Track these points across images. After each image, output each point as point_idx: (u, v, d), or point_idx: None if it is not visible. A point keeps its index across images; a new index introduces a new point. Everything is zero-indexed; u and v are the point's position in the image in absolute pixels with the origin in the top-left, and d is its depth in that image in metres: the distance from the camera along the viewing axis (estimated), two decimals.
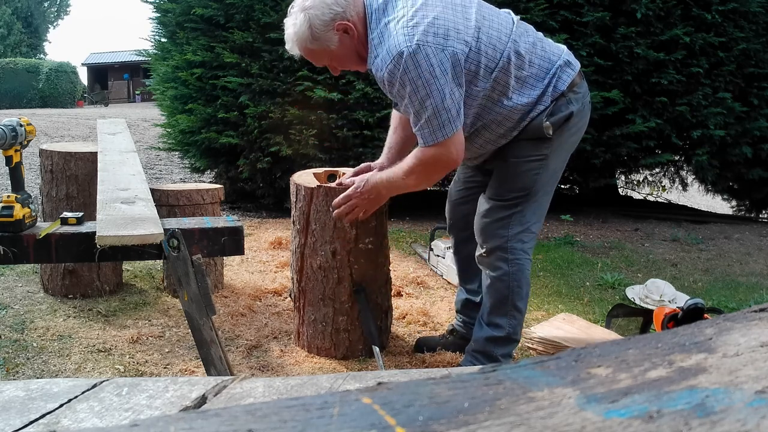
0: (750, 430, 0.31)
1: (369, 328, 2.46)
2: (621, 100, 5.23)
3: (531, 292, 3.43)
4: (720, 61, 5.38)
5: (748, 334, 0.45)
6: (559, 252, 4.36)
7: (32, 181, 5.46)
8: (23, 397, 0.66)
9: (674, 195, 7.34)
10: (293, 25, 2.05)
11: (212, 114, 5.27)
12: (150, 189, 2.30)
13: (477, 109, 2.04)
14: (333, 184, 2.50)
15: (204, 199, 3.07)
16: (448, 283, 3.50)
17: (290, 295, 2.76)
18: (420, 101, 1.90)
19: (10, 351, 2.44)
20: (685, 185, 6.73)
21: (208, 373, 1.86)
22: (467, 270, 2.57)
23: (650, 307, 3.07)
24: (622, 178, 6.82)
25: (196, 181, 6.00)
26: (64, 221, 1.85)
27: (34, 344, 2.51)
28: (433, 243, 3.76)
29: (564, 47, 2.17)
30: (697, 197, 7.92)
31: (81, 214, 1.88)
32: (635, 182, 6.85)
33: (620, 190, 7.16)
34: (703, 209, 7.34)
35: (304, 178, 2.58)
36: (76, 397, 0.67)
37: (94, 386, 0.69)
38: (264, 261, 3.85)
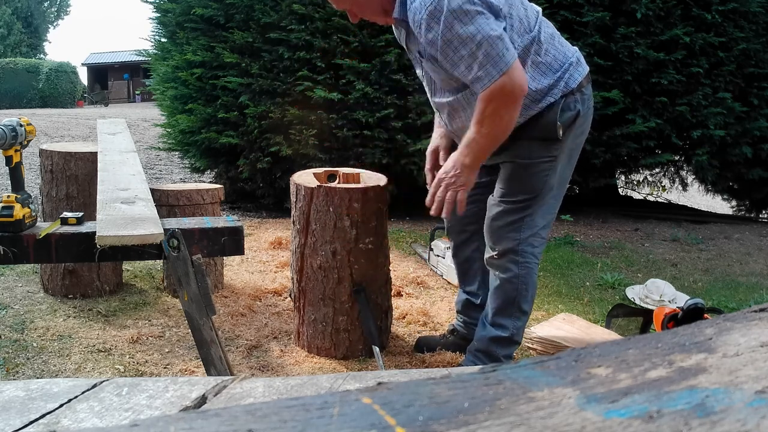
0: (750, 430, 0.31)
1: (369, 328, 2.46)
2: (621, 100, 5.23)
3: None
4: (720, 61, 5.38)
5: (748, 334, 0.45)
6: (559, 252, 4.36)
7: (32, 181, 5.46)
8: (23, 397, 0.66)
9: (674, 195, 7.34)
10: None
11: (212, 114, 5.27)
12: (150, 189, 2.30)
13: None
14: (333, 184, 2.51)
15: (204, 199, 3.07)
16: (448, 283, 3.50)
17: (290, 295, 2.76)
18: (470, 37, 1.81)
19: (10, 351, 2.44)
20: (685, 185, 6.73)
21: (208, 373, 1.86)
22: (467, 272, 2.57)
23: (650, 307, 3.07)
24: (622, 178, 6.82)
25: (196, 181, 6.00)
26: (64, 221, 1.85)
27: (34, 344, 2.51)
28: (433, 243, 3.76)
29: (576, 48, 2.18)
30: (697, 197, 7.92)
31: (81, 214, 1.88)
32: (635, 182, 6.84)
33: (620, 190, 7.15)
34: (703, 209, 7.34)
35: (304, 178, 2.58)
36: (76, 397, 0.67)
37: (94, 386, 0.69)
38: (264, 261, 3.85)
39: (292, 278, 2.61)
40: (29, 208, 1.82)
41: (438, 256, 3.65)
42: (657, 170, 6.61)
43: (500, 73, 1.84)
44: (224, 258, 3.37)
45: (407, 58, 5.04)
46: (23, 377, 2.24)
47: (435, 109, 2.25)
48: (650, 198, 7.36)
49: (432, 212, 2.14)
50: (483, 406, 0.36)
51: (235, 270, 3.62)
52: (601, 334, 2.63)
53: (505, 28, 1.87)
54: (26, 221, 1.79)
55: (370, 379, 0.71)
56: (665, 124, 5.33)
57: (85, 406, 0.64)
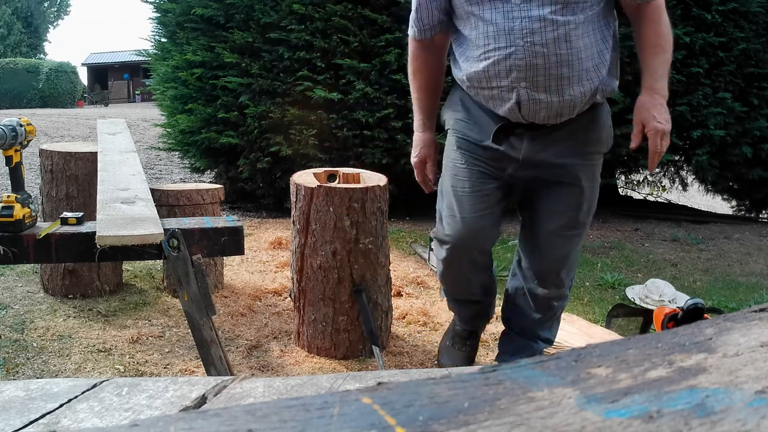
0: (750, 430, 0.31)
1: (369, 328, 2.46)
2: (621, 100, 5.22)
3: None
4: (720, 61, 5.38)
5: (748, 334, 0.45)
6: None
7: (32, 181, 5.46)
8: (23, 397, 0.66)
9: (674, 195, 7.34)
10: None
11: (212, 114, 5.27)
12: (150, 189, 2.30)
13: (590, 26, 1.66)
14: (333, 184, 2.51)
15: (204, 199, 3.07)
16: None
17: (290, 295, 2.76)
18: None
19: (10, 351, 2.44)
20: (685, 185, 6.73)
21: (208, 373, 1.86)
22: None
23: (650, 307, 3.07)
24: (622, 178, 6.82)
25: (196, 181, 6.00)
26: (64, 221, 1.85)
27: (34, 344, 2.51)
28: (433, 243, 3.76)
29: None
30: (697, 197, 7.92)
31: (81, 214, 1.88)
32: (635, 182, 6.84)
33: (620, 190, 7.15)
34: (703, 209, 7.34)
35: (304, 178, 2.58)
36: (76, 397, 0.67)
37: (94, 386, 0.69)
38: (264, 261, 3.85)
39: (292, 278, 2.61)
40: (29, 208, 1.82)
41: None
42: (657, 170, 6.61)
43: None
44: (224, 258, 3.37)
45: (407, 59, 5.05)
46: (23, 377, 2.24)
47: (511, 33, 1.61)
48: (650, 198, 7.37)
49: (654, 169, 1.86)
50: (483, 406, 0.36)
51: (235, 270, 3.62)
52: (601, 334, 2.63)
53: None
54: (26, 221, 1.79)
55: (370, 379, 0.71)
56: None
57: (85, 406, 0.64)
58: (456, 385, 0.39)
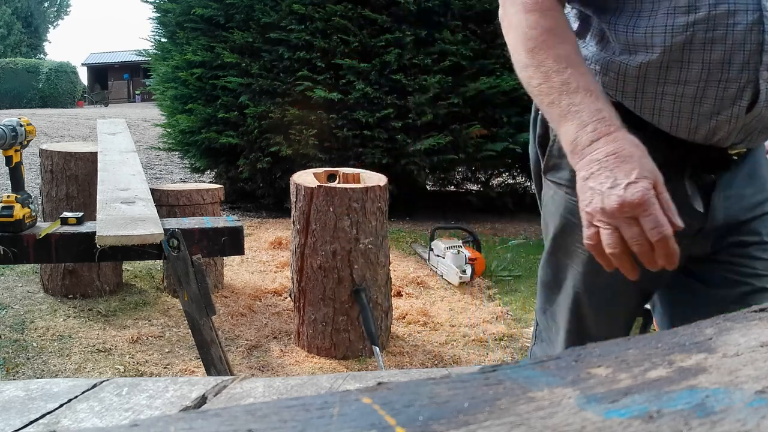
0: (750, 430, 0.31)
1: (369, 328, 2.46)
2: None
3: (531, 292, 3.44)
4: None
5: (748, 334, 0.45)
6: None
7: (32, 181, 5.46)
8: (23, 397, 0.66)
9: None
10: None
11: (212, 114, 5.27)
12: (150, 189, 2.30)
13: None
14: (333, 184, 2.51)
15: (204, 199, 3.07)
16: (448, 283, 3.50)
17: (290, 295, 2.76)
18: None
19: (10, 351, 2.44)
20: None
21: (208, 373, 1.86)
22: None
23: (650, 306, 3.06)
24: None
25: (196, 181, 6.00)
26: (64, 221, 1.85)
27: (34, 344, 2.51)
28: (433, 243, 3.76)
29: None
30: None
31: (81, 214, 1.88)
32: None
33: None
34: None
35: (304, 178, 2.58)
36: (76, 397, 0.67)
37: (94, 386, 0.69)
38: (264, 261, 3.85)
39: (292, 278, 2.61)
40: (29, 208, 1.82)
41: (438, 256, 3.65)
42: None
43: None
44: (224, 258, 3.37)
45: (407, 58, 5.06)
46: (23, 377, 2.24)
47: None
48: None
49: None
50: (483, 406, 0.36)
51: (235, 270, 3.62)
52: None
53: None
54: (26, 221, 1.79)
55: (370, 379, 0.71)
56: None
57: (85, 406, 0.64)
58: (456, 385, 0.39)
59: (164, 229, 1.77)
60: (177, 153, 6.59)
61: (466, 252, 3.54)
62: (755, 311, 0.51)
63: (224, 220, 1.98)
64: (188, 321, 1.86)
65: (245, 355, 2.51)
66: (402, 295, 3.27)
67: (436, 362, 2.54)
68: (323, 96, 4.82)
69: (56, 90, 25.12)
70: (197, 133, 5.42)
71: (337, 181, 2.70)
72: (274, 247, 4.14)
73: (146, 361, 2.42)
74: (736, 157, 1.03)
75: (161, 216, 1.94)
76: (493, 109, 5.05)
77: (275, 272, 3.62)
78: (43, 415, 0.62)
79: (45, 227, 1.82)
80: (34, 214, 1.85)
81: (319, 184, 2.47)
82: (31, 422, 0.60)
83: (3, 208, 1.75)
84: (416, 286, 3.45)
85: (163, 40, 6.14)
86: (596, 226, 0.84)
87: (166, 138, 6.28)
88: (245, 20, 5.14)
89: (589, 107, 0.88)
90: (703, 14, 0.90)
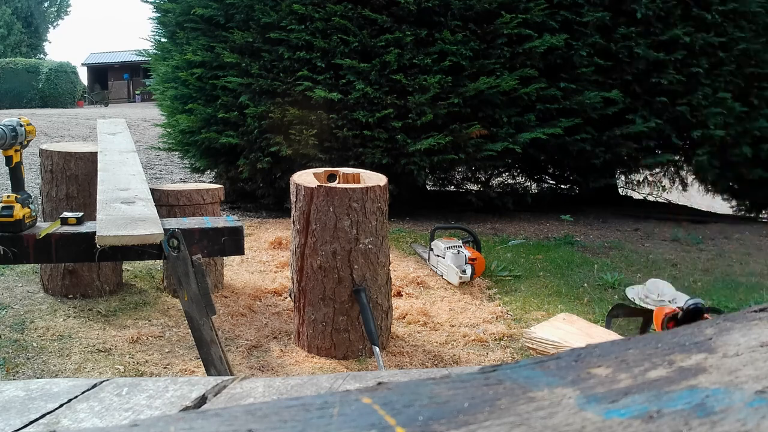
0: (750, 430, 0.31)
1: (369, 328, 2.46)
2: (621, 100, 5.23)
3: (531, 292, 3.44)
4: (720, 61, 5.38)
5: (748, 334, 0.45)
6: (559, 252, 4.36)
7: (32, 181, 5.46)
8: (23, 397, 0.66)
9: (674, 195, 7.34)
10: None
11: (212, 114, 5.27)
12: (150, 189, 2.30)
13: None
14: (333, 184, 2.50)
15: (204, 199, 3.07)
16: (448, 283, 3.50)
17: (290, 295, 2.76)
18: None
19: (10, 351, 2.44)
20: (685, 185, 6.74)
21: (208, 373, 1.86)
22: None
23: (650, 307, 3.07)
24: (622, 178, 6.82)
25: (196, 181, 6.00)
26: (64, 221, 1.85)
27: (34, 344, 2.51)
28: (433, 243, 3.76)
29: None
30: (697, 197, 7.92)
31: (81, 214, 1.88)
32: (635, 182, 6.85)
33: (620, 190, 7.16)
34: (703, 209, 7.34)
35: (304, 178, 2.58)
36: (76, 397, 0.67)
37: (94, 386, 0.69)
38: (264, 261, 3.85)
39: (292, 278, 2.61)
40: (29, 208, 1.82)
41: (438, 256, 3.65)
42: (657, 170, 6.62)
43: None
44: (224, 258, 3.37)
45: (407, 58, 5.07)
46: (23, 377, 2.24)
47: None
48: (650, 198, 7.37)
49: None
50: (483, 406, 0.36)
51: (235, 270, 3.62)
52: (601, 334, 2.63)
53: None
54: (26, 221, 1.79)
55: (370, 379, 0.71)
56: (665, 124, 5.33)
57: (85, 406, 0.64)
58: (456, 385, 0.39)
59: (164, 229, 1.77)
60: (177, 153, 6.59)
61: (466, 252, 3.54)
62: (755, 311, 0.51)
63: (224, 220, 1.98)
64: (188, 321, 1.86)
65: (245, 355, 2.51)
66: (402, 295, 3.27)
67: (436, 362, 2.54)
68: (323, 96, 4.82)
69: (56, 90, 25.11)
70: (197, 133, 5.42)
71: (337, 181, 2.70)
72: (274, 247, 4.14)
73: (146, 361, 2.42)
74: None
75: (161, 216, 1.94)
76: (493, 109, 5.05)
77: (275, 272, 3.62)
78: (43, 415, 0.62)
79: (45, 227, 1.82)
80: (34, 214, 1.85)
81: (319, 184, 2.47)
82: (31, 422, 0.60)
83: (3, 208, 1.75)
84: (416, 286, 3.45)
85: (163, 40, 6.14)
86: None
87: (166, 138, 6.28)
88: (245, 20, 5.14)
89: None
90: None
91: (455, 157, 5.01)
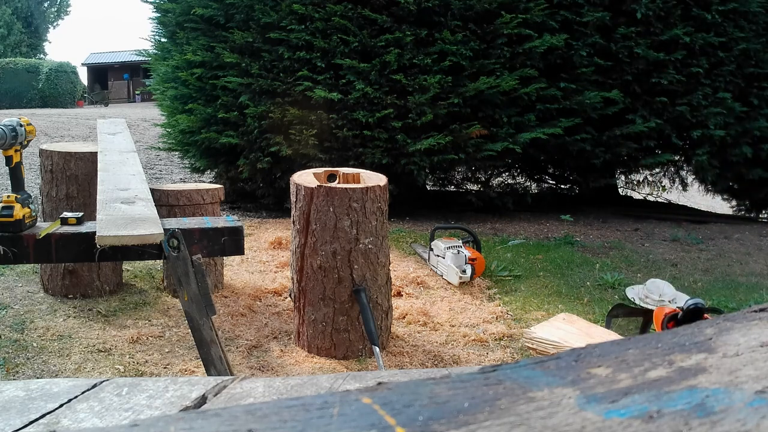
0: (750, 430, 0.31)
1: (369, 328, 2.46)
2: (621, 100, 5.23)
3: (531, 292, 3.44)
4: (720, 61, 5.38)
5: (748, 334, 0.45)
6: (559, 252, 4.36)
7: (32, 181, 5.46)
8: (23, 397, 0.66)
9: (674, 195, 7.34)
10: None
11: (212, 114, 5.27)
12: (150, 189, 2.30)
13: None
14: (333, 184, 2.50)
15: (204, 199, 3.07)
16: (448, 283, 3.50)
17: (290, 295, 2.76)
18: None
19: (10, 351, 2.44)
20: (685, 185, 6.74)
21: (208, 373, 1.86)
22: None
23: (650, 307, 3.07)
24: (622, 178, 6.82)
25: (196, 181, 6.00)
26: (64, 221, 1.85)
27: (34, 344, 2.51)
28: (433, 243, 3.76)
29: None
30: (697, 197, 7.92)
31: (81, 214, 1.88)
32: (635, 182, 6.85)
33: (620, 190, 7.16)
34: (703, 209, 7.34)
35: (304, 178, 2.58)
36: (76, 397, 0.67)
37: (94, 386, 0.69)
38: (264, 261, 3.84)
39: (292, 278, 2.61)
40: (29, 208, 1.82)
41: (438, 256, 3.65)
42: (657, 170, 6.62)
43: None
44: (224, 258, 3.37)
45: (407, 58, 5.07)
46: (23, 377, 2.24)
47: None
48: (650, 198, 7.37)
49: None
50: (483, 406, 0.36)
51: (235, 270, 3.62)
52: (601, 334, 2.63)
53: None
54: (26, 221, 1.79)
55: (370, 379, 0.71)
56: (665, 124, 5.33)
57: (85, 406, 0.64)
58: (456, 385, 0.39)
59: (164, 229, 1.77)
60: (177, 153, 6.59)
61: (466, 252, 3.54)
62: (755, 311, 0.51)
63: (224, 220, 1.98)
64: (188, 321, 1.86)
65: (245, 355, 2.51)
66: (402, 295, 3.27)
67: (436, 362, 2.54)
68: (323, 96, 4.82)
69: (56, 90, 25.11)
70: (197, 133, 5.42)
71: (337, 181, 2.70)
72: (274, 247, 4.14)
73: (146, 361, 2.42)
74: None
75: (161, 216, 1.94)
76: (493, 109, 5.05)
77: (275, 272, 3.62)
78: (43, 415, 0.62)
79: (45, 227, 1.82)
80: (34, 214, 1.85)
81: (319, 184, 2.47)
82: (31, 422, 0.60)
83: (3, 208, 1.75)
84: (416, 286, 3.45)
85: (163, 40, 6.14)
86: None
87: (166, 138, 6.28)
88: (245, 20, 5.14)
89: None
90: None
91: (455, 157, 5.01)
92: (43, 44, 34.75)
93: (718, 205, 7.75)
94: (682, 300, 3.11)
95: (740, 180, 6.17)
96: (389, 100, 4.86)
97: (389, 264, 2.67)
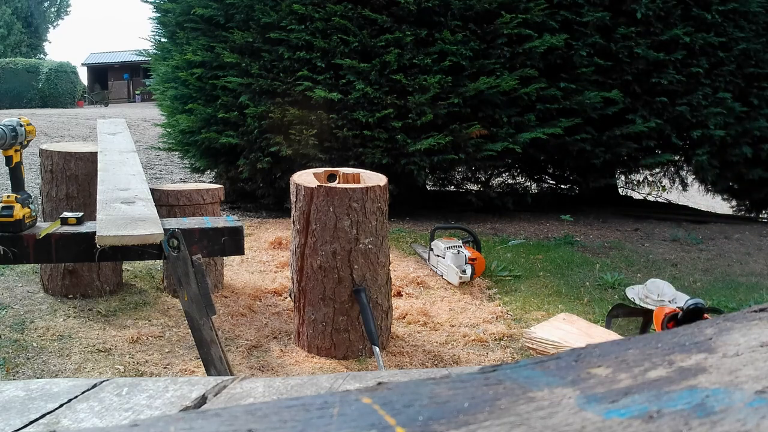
0: (750, 430, 0.31)
1: (369, 328, 2.46)
2: (621, 100, 5.23)
3: (531, 292, 3.44)
4: (720, 61, 5.38)
5: (748, 334, 0.45)
6: (559, 252, 4.36)
7: (32, 181, 5.45)
8: (23, 397, 0.66)
9: (674, 195, 7.34)
10: None
11: (212, 114, 5.27)
12: (150, 189, 2.30)
13: None
14: (333, 184, 2.50)
15: (204, 199, 3.07)
16: (448, 283, 3.50)
17: (290, 295, 2.76)
18: None
19: (10, 351, 2.44)
20: (685, 185, 6.74)
21: (208, 373, 1.86)
22: None
23: (650, 307, 3.07)
24: (622, 178, 6.82)
25: (196, 181, 6.00)
26: (64, 221, 1.85)
27: (34, 344, 2.51)
28: (433, 243, 3.76)
29: None
30: (697, 197, 7.92)
31: (81, 214, 1.88)
32: (635, 182, 6.85)
33: (620, 190, 7.16)
34: (703, 209, 7.34)
35: (304, 178, 2.58)
36: (76, 397, 0.67)
37: (94, 386, 0.69)
38: (264, 261, 3.84)
39: (292, 278, 2.61)
40: (29, 208, 1.82)
41: (438, 256, 3.65)
42: (657, 170, 6.62)
43: None
44: (224, 258, 3.37)
45: (407, 58, 5.07)
46: (23, 377, 2.24)
47: None
48: (650, 198, 7.37)
49: None
50: (483, 406, 0.36)
51: (235, 270, 3.62)
52: (601, 334, 2.63)
53: None
54: (26, 221, 1.79)
55: (370, 379, 0.71)
56: (665, 124, 5.33)
57: (85, 406, 0.64)
58: (456, 385, 0.39)
59: (164, 229, 1.77)
60: (177, 153, 6.59)
61: (466, 252, 3.54)
62: (755, 311, 0.51)
63: (224, 220, 1.98)
64: (188, 321, 1.86)
65: (245, 355, 2.51)
66: (402, 295, 3.27)
67: (436, 362, 2.54)
68: (323, 96, 4.82)
69: (56, 90, 25.11)
70: (197, 133, 5.42)
71: (337, 181, 2.70)
72: (274, 247, 4.14)
73: (146, 361, 2.42)
74: None
75: (161, 216, 1.94)
76: (493, 109, 5.05)
77: (275, 272, 3.62)
78: (43, 415, 0.62)
79: (45, 227, 1.82)
80: (34, 214, 1.85)
81: (319, 184, 2.47)
82: (31, 422, 0.60)
83: (3, 208, 1.75)
84: (416, 286, 3.45)
85: (163, 40, 6.14)
86: None
87: (166, 138, 6.28)
88: (245, 20, 5.14)
89: None
90: None
91: (455, 157, 5.01)
92: (43, 44, 34.75)
93: (718, 205, 7.75)
94: (682, 300, 3.11)
95: (740, 180, 6.17)
96: (389, 100, 4.86)
97: (389, 264, 2.67)
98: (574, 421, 0.33)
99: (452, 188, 6.48)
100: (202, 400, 0.65)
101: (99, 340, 2.58)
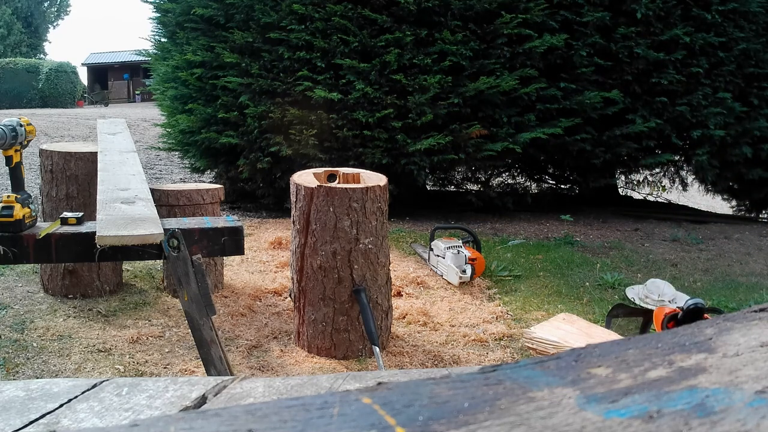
0: (750, 430, 0.31)
1: (369, 328, 2.46)
2: (621, 100, 5.23)
3: (531, 292, 3.44)
4: (720, 61, 5.38)
5: (748, 334, 0.45)
6: (559, 252, 4.36)
7: (32, 181, 5.45)
8: (23, 397, 0.66)
9: (674, 195, 7.34)
10: None
11: (212, 114, 5.27)
12: (150, 189, 2.30)
13: None
14: (333, 184, 2.50)
15: (204, 199, 3.07)
16: (448, 283, 3.50)
17: (290, 295, 2.76)
18: None
19: (10, 351, 2.44)
20: (685, 185, 6.74)
21: (208, 373, 1.86)
22: None
23: (650, 307, 3.07)
24: (622, 178, 6.82)
25: (196, 181, 6.00)
26: (64, 221, 1.85)
27: (34, 344, 2.51)
28: (433, 243, 3.76)
29: None
30: (697, 197, 7.92)
31: (81, 214, 1.88)
32: (635, 182, 6.85)
33: (620, 190, 7.16)
34: (703, 209, 7.34)
35: (304, 178, 2.58)
36: (76, 397, 0.67)
37: (94, 386, 0.69)
38: (264, 261, 3.84)
39: (292, 278, 2.61)
40: (29, 208, 1.82)
41: (438, 256, 3.65)
42: (657, 170, 6.62)
43: None
44: (224, 258, 3.37)
45: (407, 58, 5.07)
46: (23, 377, 2.24)
47: None
48: (650, 198, 7.37)
49: None
50: (483, 406, 0.36)
51: (235, 270, 3.62)
52: (601, 334, 2.63)
53: None
54: (26, 221, 1.79)
55: (370, 379, 0.71)
56: (665, 124, 5.33)
57: (85, 406, 0.64)
58: (456, 385, 0.39)
59: (164, 229, 1.77)
60: (177, 153, 6.59)
61: (466, 252, 3.54)
62: (755, 311, 0.51)
63: (224, 220, 1.98)
64: (188, 321, 1.86)
65: (245, 355, 2.51)
66: (402, 295, 3.27)
67: (436, 362, 2.54)
68: (323, 96, 4.82)
69: (56, 90, 25.11)
70: (197, 133, 5.42)
71: (337, 181, 2.70)
72: (274, 247, 4.14)
73: (146, 361, 2.42)
74: None
75: (161, 216, 1.94)
76: (493, 109, 5.05)
77: (275, 272, 3.62)
78: (43, 415, 0.62)
79: (45, 227, 1.82)
80: (34, 214, 1.85)
81: (319, 184, 2.47)
82: (31, 422, 0.60)
83: (3, 208, 1.75)
84: (416, 286, 3.45)
85: (163, 40, 6.14)
86: None
87: (166, 138, 6.28)
88: (245, 20, 5.14)
89: None
90: None
91: (455, 157, 5.01)
92: (43, 44, 34.75)
93: (718, 205, 7.75)
94: (682, 300, 3.11)
95: (740, 180, 6.17)
96: (389, 100, 4.86)
97: (389, 264, 2.66)
98: (574, 421, 0.33)
99: (452, 188, 6.48)
100: (202, 400, 0.65)
101: (99, 340, 2.58)
